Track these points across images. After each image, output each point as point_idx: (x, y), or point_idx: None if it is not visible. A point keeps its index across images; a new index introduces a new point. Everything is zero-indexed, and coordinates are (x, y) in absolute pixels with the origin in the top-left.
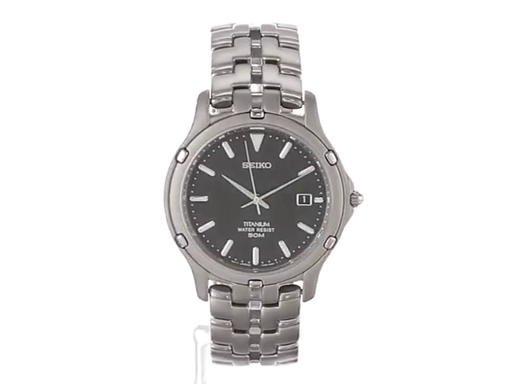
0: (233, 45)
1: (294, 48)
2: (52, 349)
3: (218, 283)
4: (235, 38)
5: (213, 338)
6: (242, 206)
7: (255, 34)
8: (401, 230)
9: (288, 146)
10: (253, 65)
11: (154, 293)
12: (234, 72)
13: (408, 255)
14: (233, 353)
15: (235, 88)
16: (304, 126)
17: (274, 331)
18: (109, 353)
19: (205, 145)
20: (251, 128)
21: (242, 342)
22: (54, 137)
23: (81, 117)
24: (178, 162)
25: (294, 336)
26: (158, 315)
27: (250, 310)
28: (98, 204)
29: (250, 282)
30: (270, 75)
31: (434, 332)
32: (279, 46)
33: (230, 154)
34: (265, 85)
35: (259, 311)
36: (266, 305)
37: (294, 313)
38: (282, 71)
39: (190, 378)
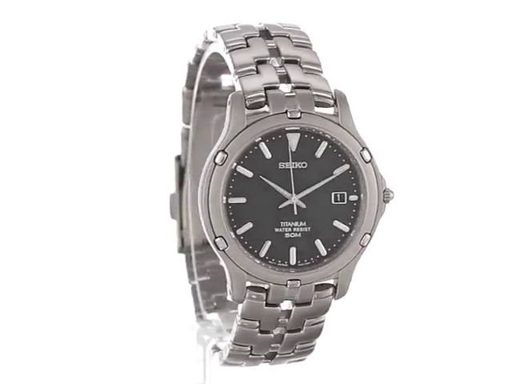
0: (247, 45)
1: (309, 47)
2: (51, 352)
3: (254, 284)
4: (248, 38)
5: (236, 340)
6: (279, 207)
7: (264, 33)
8: (412, 226)
9: (324, 144)
10: (274, 65)
11: (154, 294)
12: (258, 73)
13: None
14: (251, 354)
15: (266, 88)
16: (339, 124)
17: (299, 330)
18: (109, 355)
19: (243, 146)
20: (287, 128)
21: (265, 342)
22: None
23: (80, 115)
24: (216, 164)
25: (317, 334)
26: (157, 317)
27: (281, 310)
28: (96, 204)
29: (288, 282)
30: (297, 75)
31: (464, 336)
32: (293, 45)
33: (267, 154)
34: (293, 85)
35: (290, 311)
36: (298, 304)
37: (323, 311)
38: (305, 71)
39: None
